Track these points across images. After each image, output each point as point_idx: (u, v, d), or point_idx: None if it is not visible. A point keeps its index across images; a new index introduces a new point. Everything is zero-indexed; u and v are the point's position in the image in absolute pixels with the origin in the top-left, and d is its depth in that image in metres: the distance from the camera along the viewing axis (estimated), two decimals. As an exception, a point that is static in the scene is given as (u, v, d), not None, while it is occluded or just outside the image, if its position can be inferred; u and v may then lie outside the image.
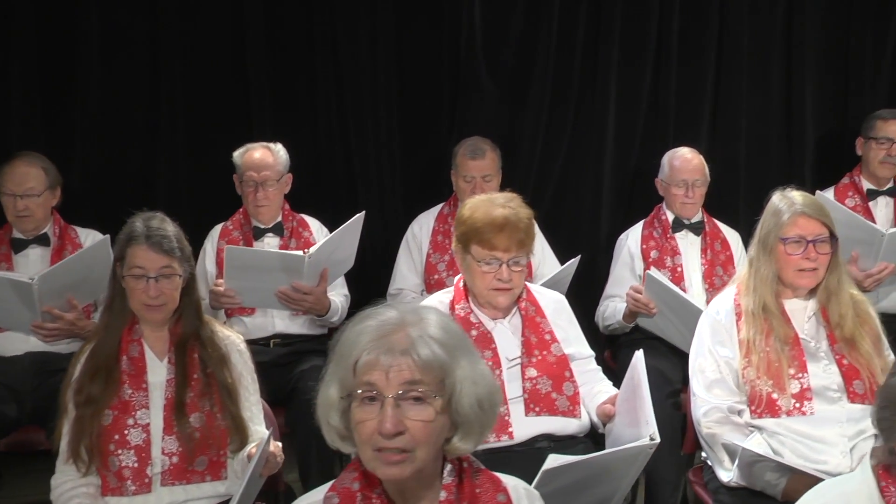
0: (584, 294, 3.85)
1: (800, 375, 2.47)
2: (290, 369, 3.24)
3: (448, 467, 1.56)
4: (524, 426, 2.43)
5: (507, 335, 2.54)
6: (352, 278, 3.66)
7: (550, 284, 3.31)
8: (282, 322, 3.38)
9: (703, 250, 3.65)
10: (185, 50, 3.84)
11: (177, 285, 2.30)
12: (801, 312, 2.57)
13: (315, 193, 3.96)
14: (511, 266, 2.47)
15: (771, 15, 4.16)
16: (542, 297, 2.65)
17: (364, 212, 3.27)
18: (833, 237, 2.51)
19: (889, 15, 4.18)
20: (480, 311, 2.56)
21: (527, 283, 2.67)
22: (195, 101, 3.86)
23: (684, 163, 3.65)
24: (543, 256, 3.73)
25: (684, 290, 3.49)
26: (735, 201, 4.19)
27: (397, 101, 4.00)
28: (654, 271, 3.36)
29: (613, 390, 2.61)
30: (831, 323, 2.52)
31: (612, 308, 3.62)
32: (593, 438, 2.57)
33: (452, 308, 2.55)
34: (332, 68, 3.95)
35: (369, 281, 3.88)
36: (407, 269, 3.76)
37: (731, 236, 3.75)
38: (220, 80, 3.89)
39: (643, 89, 4.10)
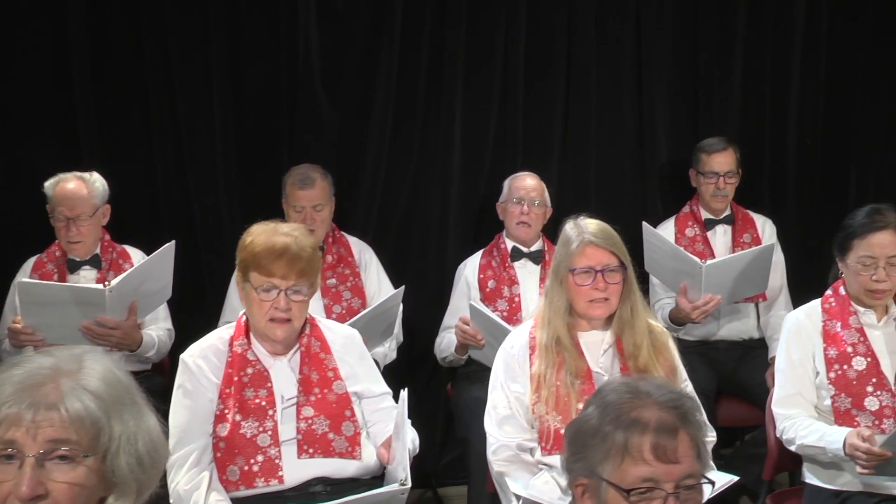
0: (432, 326, 3.77)
1: (588, 411, 2.37)
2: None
3: None
4: (296, 469, 2.31)
5: (285, 372, 2.41)
6: (188, 310, 3.52)
7: (373, 316, 3.21)
8: None
9: (543, 280, 3.58)
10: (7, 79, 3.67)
11: None
12: (598, 345, 2.50)
13: (150, 223, 3.82)
14: (290, 295, 2.35)
15: (619, 44, 4.13)
16: (330, 332, 2.53)
17: (174, 241, 3.14)
18: (623, 266, 2.44)
19: (733, 41, 4.18)
20: (260, 347, 2.43)
21: (315, 316, 2.55)
22: (17, 131, 3.69)
23: (521, 181, 3.61)
24: (380, 287, 3.63)
25: (520, 321, 3.40)
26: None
27: (234, 128, 3.87)
28: (475, 302, 3.28)
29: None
30: (625, 353, 2.45)
31: (447, 340, 3.53)
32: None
33: (231, 344, 2.42)
34: (166, 95, 3.81)
35: (209, 311, 3.73)
36: (236, 301, 3.61)
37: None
38: (45, 110, 3.71)
39: (490, 116, 4.03)
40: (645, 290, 3.78)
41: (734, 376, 3.64)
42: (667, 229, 3.83)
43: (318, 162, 3.73)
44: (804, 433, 2.56)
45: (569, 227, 2.50)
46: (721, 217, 3.81)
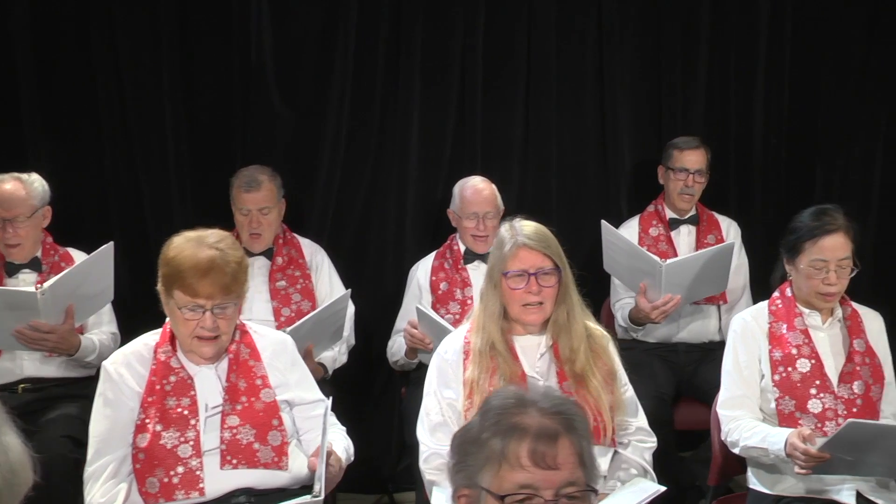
0: (388, 329, 3.70)
1: (522, 417, 2.31)
2: (37, 417, 3.00)
3: None
4: (218, 481, 2.24)
5: (211, 380, 2.34)
6: (138, 313, 3.46)
7: (319, 320, 3.16)
8: (31, 365, 3.14)
9: (497, 282, 3.51)
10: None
11: None
12: (534, 349, 2.44)
13: (100, 224, 3.76)
14: (216, 313, 2.27)
15: (581, 44, 4.06)
16: (261, 338, 2.46)
17: (112, 242, 3.07)
18: (558, 269, 2.38)
19: (697, 42, 4.12)
20: (185, 355, 2.36)
21: (246, 322, 2.49)
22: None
23: (475, 194, 3.52)
24: (331, 289, 3.56)
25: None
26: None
27: (186, 128, 3.81)
28: (421, 305, 3.22)
29: (335, 438, 2.43)
30: (562, 358, 2.39)
31: (398, 343, 3.47)
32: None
33: (156, 351, 2.36)
34: (116, 95, 3.75)
35: (160, 315, 3.64)
36: None
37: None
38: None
39: (449, 117, 3.96)
40: (607, 290, 3.78)
41: (694, 379, 3.58)
42: (630, 228, 3.77)
43: (272, 162, 3.68)
44: (748, 434, 2.51)
45: (503, 230, 2.44)
46: (686, 217, 3.75)
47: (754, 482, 2.60)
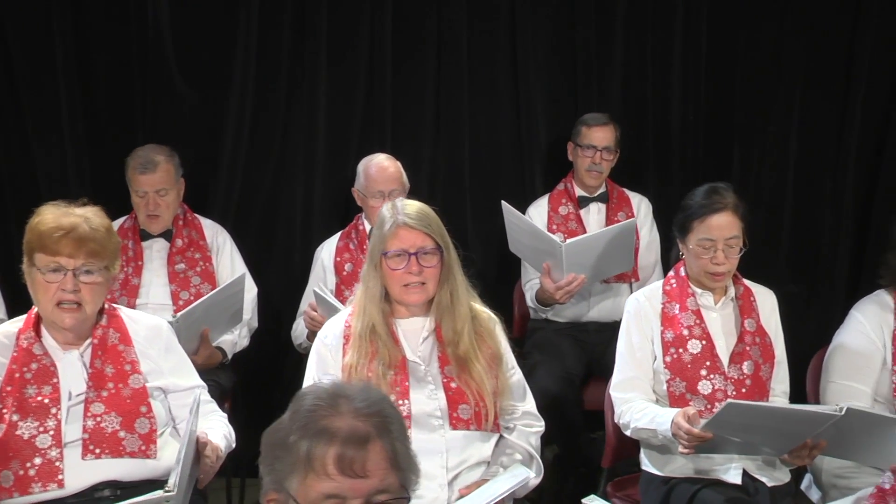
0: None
1: (400, 402, 2.26)
2: None
3: None
4: (80, 473, 2.14)
5: (75, 366, 2.24)
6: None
7: (212, 304, 3.07)
8: None
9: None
10: None
11: None
12: (418, 332, 2.37)
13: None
14: (79, 276, 2.17)
15: (493, 20, 3.97)
16: (133, 322, 2.36)
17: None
18: (440, 248, 2.31)
19: (613, 18, 4.06)
20: (50, 339, 2.25)
21: (119, 307, 2.39)
22: None
23: (380, 172, 3.43)
24: (233, 272, 3.46)
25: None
26: (461, 212, 4.00)
27: (83, 108, 3.66)
28: (318, 288, 3.14)
29: (213, 427, 2.35)
30: (444, 341, 2.32)
31: (301, 326, 3.39)
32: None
33: (18, 338, 2.25)
34: (6, 73, 3.59)
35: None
36: None
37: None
38: None
39: (357, 95, 3.87)
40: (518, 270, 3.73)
41: (603, 358, 3.51)
42: (540, 208, 3.72)
43: (175, 142, 3.55)
44: (638, 416, 2.48)
45: (384, 209, 2.36)
46: (595, 195, 3.71)
47: (646, 464, 2.57)
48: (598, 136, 3.62)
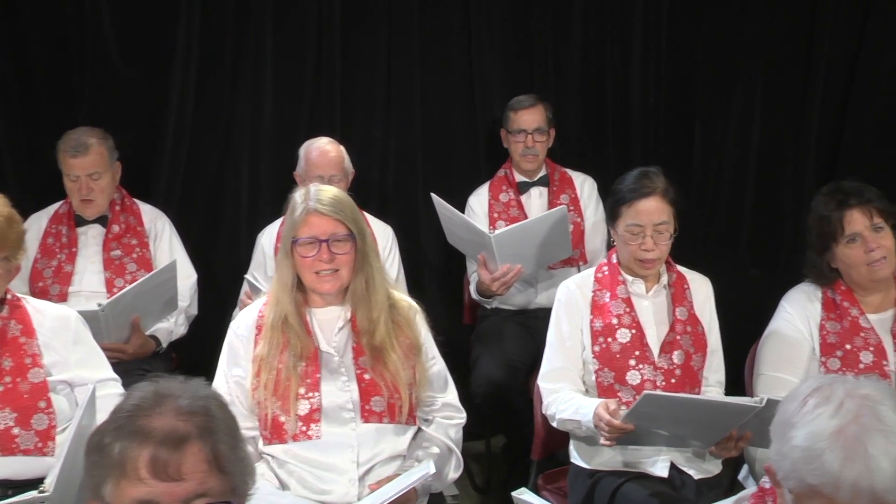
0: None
1: (310, 395, 2.18)
2: None
3: None
4: (-35, 473, 2.07)
5: (-28, 361, 2.16)
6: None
7: (141, 291, 2.99)
8: None
9: (346, 248, 3.35)
10: None
11: None
12: (333, 322, 2.28)
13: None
14: None
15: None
16: (39, 314, 2.28)
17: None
18: (353, 236, 2.22)
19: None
20: None
21: (25, 297, 2.31)
22: None
23: (320, 156, 3.35)
24: (172, 257, 3.35)
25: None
26: (413, 197, 3.91)
27: (18, 88, 3.56)
28: (252, 277, 3.07)
29: None
30: (359, 330, 2.24)
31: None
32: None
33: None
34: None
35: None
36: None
37: (383, 233, 3.47)
38: None
39: (305, 74, 3.77)
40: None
41: (552, 346, 3.46)
42: (481, 196, 3.63)
43: (116, 124, 3.47)
44: (563, 407, 2.40)
45: (297, 195, 2.27)
46: (535, 179, 3.61)
47: (574, 456, 2.50)
48: (527, 119, 3.53)
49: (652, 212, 2.41)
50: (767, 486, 1.48)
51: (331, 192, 2.26)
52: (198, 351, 3.57)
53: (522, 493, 1.95)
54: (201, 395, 1.29)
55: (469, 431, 3.82)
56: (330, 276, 2.21)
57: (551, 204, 3.56)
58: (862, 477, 1.22)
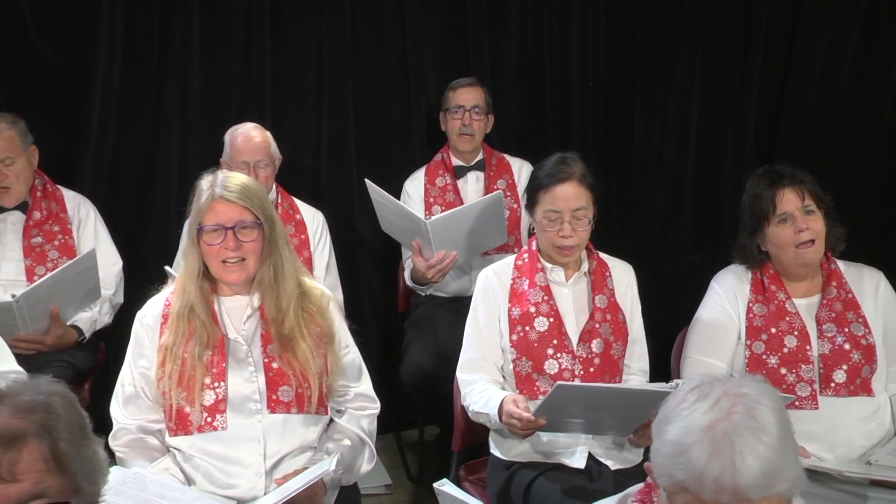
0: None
1: (216, 384, 2.12)
2: None
3: None
4: None
5: None
6: None
7: (59, 281, 2.92)
8: None
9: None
10: None
11: None
12: (242, 310, 2.23)
13: None
14: None
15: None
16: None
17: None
18: (260, 223, 2.16)
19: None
20: None
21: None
22: None
23: (245, 142, 3.28)
24: (97, 244, 3.28)
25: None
26: (348, 183, 3.85)
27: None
28: (169, 268, 2.98)
29: None
30: (268, 319, 2.19)
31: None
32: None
33: None
34: None
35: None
36: None
37: (313, 219, 3.41)
38: None
39: (234, 58, 3.68)
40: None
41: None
42: (417, 181, 3.59)
43: (38, 110, 3.38)
44: (476, 398, 2.36)
45: (203, 182, 2.21)
46: (472, 163, 3.57)
47: (493, 447, 2.47)
48: (465, 97, 3.50)
49: (569, 197, 2.37)
50: None
51: (238, 178, 2.20)
52: (126, 340, 3.50)
53: (444, 485, 1.92)
54: (44, 391, 1.23)
55: (403, 420, 3.85)
56: (236, 266, 2.16)
57: (488, 189, 3.52)
58: (726, 472, 1.19)
